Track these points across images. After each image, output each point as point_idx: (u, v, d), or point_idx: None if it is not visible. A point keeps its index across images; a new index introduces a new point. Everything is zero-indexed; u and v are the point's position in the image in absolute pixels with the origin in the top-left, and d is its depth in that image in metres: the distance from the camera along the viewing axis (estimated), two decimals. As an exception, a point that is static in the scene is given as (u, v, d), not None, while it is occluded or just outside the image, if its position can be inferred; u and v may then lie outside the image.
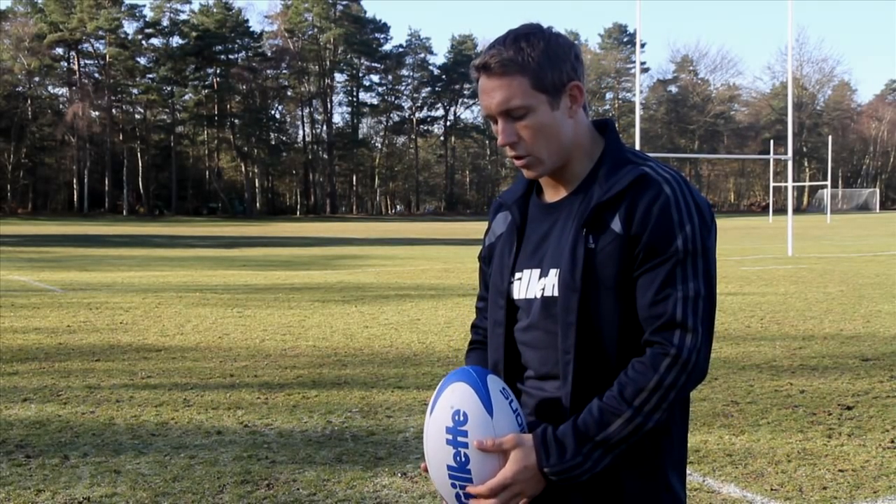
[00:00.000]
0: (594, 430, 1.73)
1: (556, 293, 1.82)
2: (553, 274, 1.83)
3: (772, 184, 59.38)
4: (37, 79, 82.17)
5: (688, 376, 1.73)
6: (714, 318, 1.79)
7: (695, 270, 1.75)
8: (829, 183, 63.05)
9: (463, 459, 1.75)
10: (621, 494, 1.79)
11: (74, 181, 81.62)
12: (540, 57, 1.80)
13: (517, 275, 1.91)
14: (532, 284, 1.88)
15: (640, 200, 1.77)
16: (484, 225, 2.14)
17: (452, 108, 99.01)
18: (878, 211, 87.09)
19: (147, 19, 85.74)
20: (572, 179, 1.89)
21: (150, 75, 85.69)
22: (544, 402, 1.86)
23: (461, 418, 1.76)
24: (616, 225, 1.78)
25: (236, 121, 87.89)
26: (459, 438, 1.76)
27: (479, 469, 1.75)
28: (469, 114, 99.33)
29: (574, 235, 1.81)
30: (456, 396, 1.79)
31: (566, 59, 1.82)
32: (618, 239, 1.77)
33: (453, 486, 1.79)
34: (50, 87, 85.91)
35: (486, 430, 1.75)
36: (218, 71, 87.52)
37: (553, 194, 1.93)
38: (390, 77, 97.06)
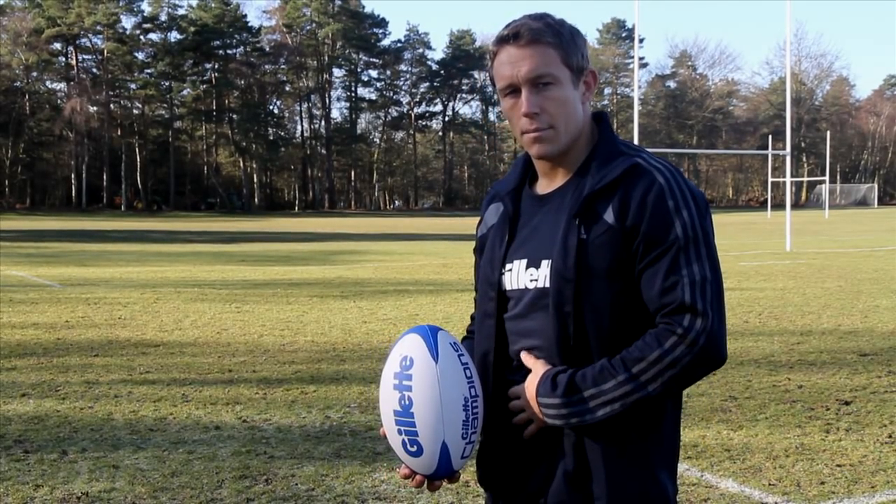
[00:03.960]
0: (587, 384, 1.76)
1: (547, 284, 1.82)
2: (545, 265, 1.84)
3: (770, 179, 59.48)
4: (34, 74, 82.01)
5: (694, 357, 1.72)
6: (723, 303, 1.78)
7: (698, 255, 1.75)
8: (827, 178, 63.14)
9: (407, 403, 1.84)
10: (607, 485, 1.80)
11: (72, 176, 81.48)
12: (568, 35, 1.84)
13: (508, 266, 1.92)
14: (522, 275, 1.88)
15: (634, 191, 1.77)
16: (482, 219, 2.14)
17: (451, 104, 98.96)
18: (876, 206, 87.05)
19: (145, 14, 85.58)
20: (568, 168, 1.89)
21: (148, 70, 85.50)
22: None
23: (408, 363, 1.85)
24: (609, 216, 1.78)
25: (234, 116, 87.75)
26: (405, 382, 1.85)
27: (420, 412, 1.82)
28: (467, 109, 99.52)
29: (566, 226, 1.81)
30: (406, 345, 1.89)
31: (584, 46, 1.87)
32: (610, 230, 1.77)
33: (399, 432, 1.86)
34: (48, 82, 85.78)
35: (430, 375, 1.83)
36: (216, 66, 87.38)
37: (546, 184, 1.93)
38: (388, 72, 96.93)
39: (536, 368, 1.83)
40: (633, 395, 1.73)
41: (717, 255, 1.80)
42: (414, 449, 1.85)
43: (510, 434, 1.92)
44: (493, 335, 1.94)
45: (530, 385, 1.82)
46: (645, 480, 1.82)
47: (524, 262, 1.88)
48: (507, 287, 1.91)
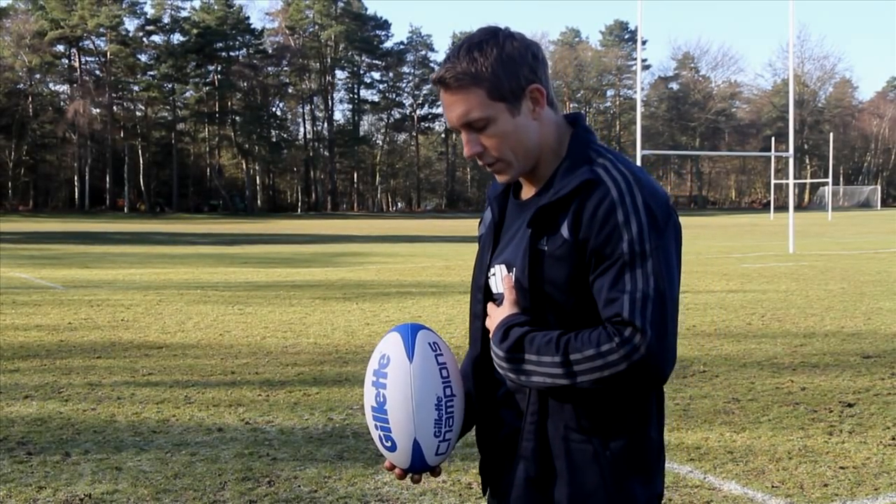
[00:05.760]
0: (531, 350, 1.78)
1: None
2: (514, 272, 1.88)
3: (773, 181, 59.36)
4: (38, 76, 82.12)
5: (627, 369, 1.69)
6: (667, 320, 1.72)
7: (643, 272, 1.72)
8: (830, 180, 62.98)
9: (381, 400, 1.90)
10: (569, 492, 1.81)
11: (75, 178, 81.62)
12: (494, 65, 1.80)
13: (492, 270, 1.96)
14: (501, 280, 1.93)
15: (587, 205, 1.77)
16: (484, 221, 2.18)
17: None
18: (879, 208, 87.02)
19: (148, 16, 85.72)
20: (540, 179, 1.91)
21: (151, 72, 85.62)
22: (511, 390, 1.92)
23: (385, 361, 1.91)
24: (564, 230, 1.79)
25: (237, 118, 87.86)
26: (381, 380, 1.90)
27: (393, 409, 1.88)
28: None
29: (528, 237, 1.84)
30: (386, 343, 1.94)
31: (523, 63, 1.82)
32: (566, 244, 1.78)
33: (376, 427, 1.93)
34: (51, 85, 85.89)
35: (403, 374, 1.88)
36: (219, 68, 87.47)
37: (526, 191, 1.96)
38: (391, 74, 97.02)
39: (505, 304, 1.86)
40: (561, 380, 1.74)
41: (667, 270, 1.74)
42: (389, 444, 1.91)
43: (493, 432, 1.96)
44: (480, 337, 1.99)
45: (496, 317, 1.86)
46: (609, 488, 1.81)
47: (503, 267, 1.92)
48: (494, 290, 1.96)
